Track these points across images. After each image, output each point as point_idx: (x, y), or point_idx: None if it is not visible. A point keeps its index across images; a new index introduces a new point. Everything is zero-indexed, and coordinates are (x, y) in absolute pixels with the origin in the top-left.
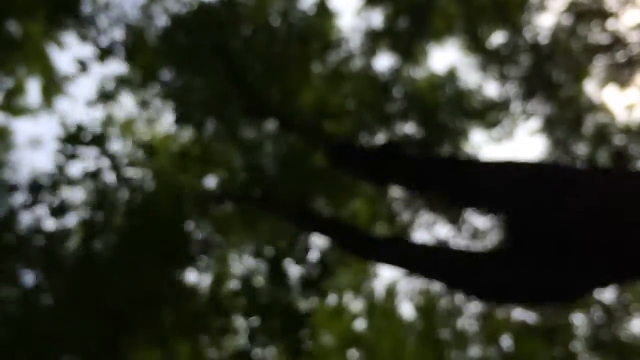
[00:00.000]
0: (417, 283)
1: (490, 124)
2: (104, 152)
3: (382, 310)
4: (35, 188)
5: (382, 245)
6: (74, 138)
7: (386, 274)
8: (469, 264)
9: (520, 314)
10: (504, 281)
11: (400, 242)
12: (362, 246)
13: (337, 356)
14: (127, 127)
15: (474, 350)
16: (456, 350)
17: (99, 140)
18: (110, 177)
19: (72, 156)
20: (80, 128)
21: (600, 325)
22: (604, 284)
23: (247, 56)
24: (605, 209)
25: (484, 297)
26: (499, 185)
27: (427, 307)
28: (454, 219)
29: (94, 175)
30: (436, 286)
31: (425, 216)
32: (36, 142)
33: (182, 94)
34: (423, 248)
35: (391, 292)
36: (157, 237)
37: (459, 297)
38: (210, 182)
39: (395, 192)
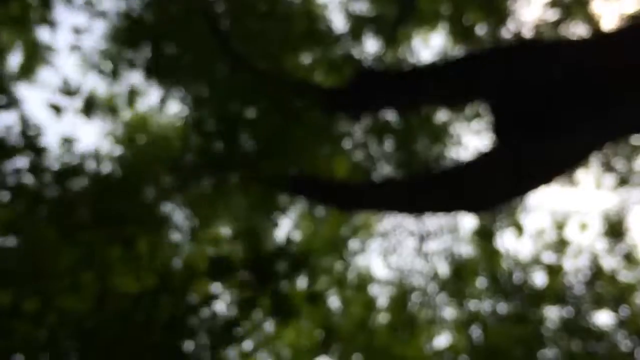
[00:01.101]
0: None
1: (472, 116)
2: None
3: (354, 287)
4: None
5: (368, 190)
6: None
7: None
8: (457, 176)
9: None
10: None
11: (384, 183)
12: (348, 197)
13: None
14: (108, 104)
15: (445, 337)
16: (427, 337)
17: None
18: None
19: None
20: None
21: (570, 315)
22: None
23: (234, 24)
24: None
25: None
26: (483, 73)
27: (399, 295)
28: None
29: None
30: (428, 220)
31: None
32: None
33: (168, 62)
34: (407, 182)
35: (365, 273)
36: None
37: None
38: (189, 154)
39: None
